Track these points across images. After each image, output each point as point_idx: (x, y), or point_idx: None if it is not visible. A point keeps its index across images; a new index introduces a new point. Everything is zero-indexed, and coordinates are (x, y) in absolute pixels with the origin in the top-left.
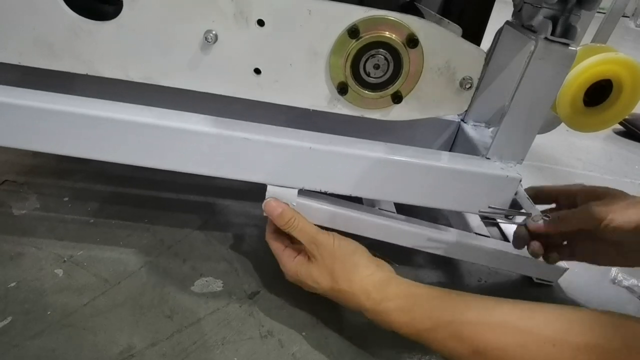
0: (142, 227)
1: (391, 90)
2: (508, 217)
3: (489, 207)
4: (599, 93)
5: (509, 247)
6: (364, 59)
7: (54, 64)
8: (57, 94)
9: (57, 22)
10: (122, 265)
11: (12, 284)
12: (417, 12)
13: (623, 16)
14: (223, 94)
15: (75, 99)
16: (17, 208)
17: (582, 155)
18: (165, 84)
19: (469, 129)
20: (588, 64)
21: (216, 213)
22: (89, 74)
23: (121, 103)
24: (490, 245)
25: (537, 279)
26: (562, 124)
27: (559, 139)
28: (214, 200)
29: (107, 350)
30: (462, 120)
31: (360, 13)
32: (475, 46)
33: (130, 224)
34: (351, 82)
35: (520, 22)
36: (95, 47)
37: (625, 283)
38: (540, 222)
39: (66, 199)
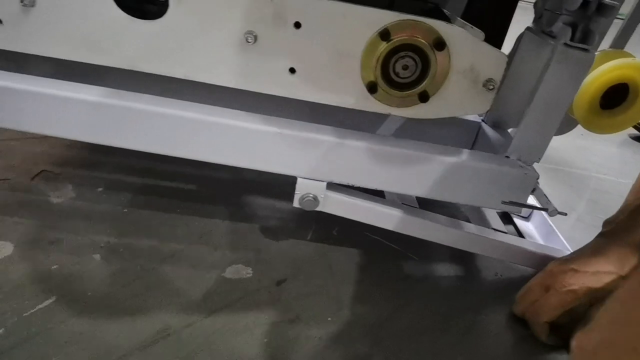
0: (174, 217)
1: (418, 89)
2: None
3: (506, 201)
4: (615, 96)
5: (525, 243)
6: (393, 60)
7: (101, 60)
8: (114, 89)
9: (106, 20)
10: (155, 252)
11: (55, 267)
12: (444, 17)
13: None
14: (259, 91)
15: (129, 95)
16: (54, 196)
17: (597, 159)
18: (205, 81)
19: (489, 129)
20: (605, 69)
21: (243, 206)
22: (133, 69)
23: (171, 99)
24: (508, 240)
25: None
26: (577, 128)
27: (573, 143)
28: (240, 193)
29: (145, 330)
30: (483, 120)
31: (391, 17)
32: (498, 50)
33: (162, 214)
34: (380, 82)
35: (540, 28)
36: (140, 45)
37: None
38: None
39: (100, 189)
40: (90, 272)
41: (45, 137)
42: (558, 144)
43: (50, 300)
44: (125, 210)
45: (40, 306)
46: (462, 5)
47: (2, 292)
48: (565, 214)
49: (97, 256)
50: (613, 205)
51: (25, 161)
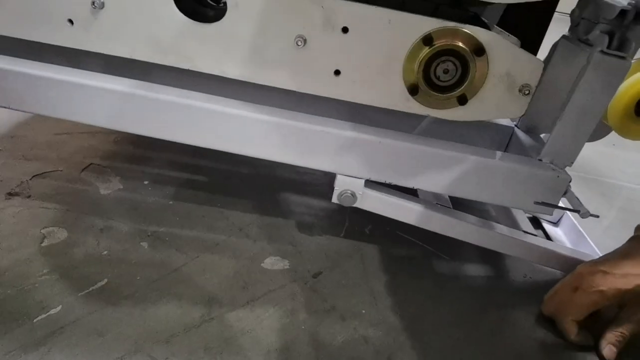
0: (215, 211)
1: (457, 92)
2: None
3: (538, 202)
4: None
5: (555, 246)
6: (435, 64)
7: (162, 59)
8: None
9: (168, 23)
10: (199, 242)
11: (105, 252)
12: (483, 24)
13: None
14: (306, 92)
15: (181, 91)
16: (103, 188)
17: (629, 169)
18: (257, 81)
19: (522, 134)
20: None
21: (279, 202)
22: (190, 69)
23: (219, 97)
24: (538, 243)
25: None
26: (609, 137)
27: (604, 151)
28: (276, 190)
29: (191, 313)
30: (516, 125)
31: (434, 24)
32: (534, 56)
33: (204, 207)
34: (422, 84)
35: (576, 37)
36: (199, 46)
37: None
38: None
39: (146, 182)
40: (139, 259)
41: (94, 133)
42: (589, 152)
43: (102, 283)
44: (170, 202)
45: (94, 287)
46: (499, 14)
47: (59, 273)
48: (598, 217)
49: (145, 244)
50: None
51: (75, 154)
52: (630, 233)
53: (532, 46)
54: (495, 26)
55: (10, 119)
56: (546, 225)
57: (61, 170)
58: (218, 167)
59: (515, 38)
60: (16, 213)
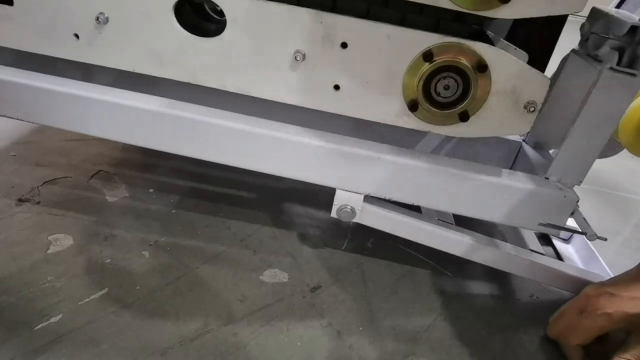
0: (218, 220)
1: (459, 109)
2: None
3: (543, 223)
4: None
5: (563, 266)
6: (435, 80)
7: (164, 73)
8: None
9: (169, 37)
10: (199, 252)
11: (108, 260)
12: (487, 39)
13: None
14: (305, 106)
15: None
16: (110, 195)
17: None
18: (256, 96)
19: (530, 150)
20: None
21: (282, 213)
22: (191, 82)
23: (217, 110)
24: (545, 263)
25: None
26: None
27: (621, 165)
28: (280, 200)
29: (187, 326)
30: (524, 140)
31: (435, 39)
32: (540, 73)
33: (207, 217)
34: (422, 100)
35: (586, 51)
36: (199, 60)
37: None
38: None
39: (151, 190)
40: (140, 268)
41: (103, 140)
42: (607, 165)
43: (102, 292)
44: (174, 211)
45: (94, 296)
46: (507, 27)
47: (62, 280)
48: (605, 239)
49: (146, 253)
50: None
51: (85, 161)
52: None
53: (541, 60)
54: (502, 40)
55: (23, 126)
56: (557, 242)
57: (70, 177)
58: (224, 175)
59: (523, 52)
60: (25, 219)
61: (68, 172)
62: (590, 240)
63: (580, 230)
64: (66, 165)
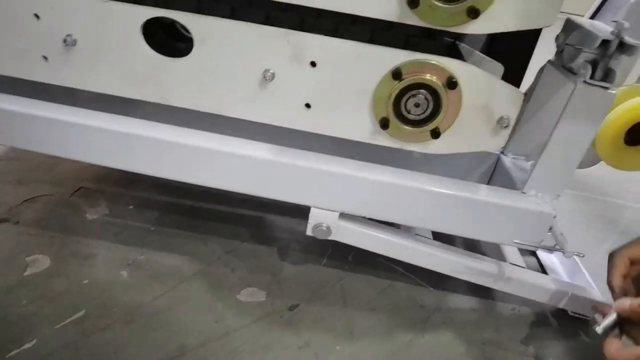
0: (196, 237)
1: (430, 126)
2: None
3: (517, 241)
4: None
5: (544, 280)
6: (405, 98)
7: (133, 94)
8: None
9: (138, 58)
10: (178, 271)
11: (86, 281)
12: (459, 54)
13: None
14: (277, 124)
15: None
16: (90, 213)
17: (634, 187)
18: (226, 114)
19: (508, 161)
20: (630, 106)
21: (263, 227)
22: (163, 103)
23: (190, 130)
24: (525, 277)
25: (572, 312)
26: None
27: (609, 170)
28: (262, 214)
29: (165, 347)
30: (502, 152)
31: (403, 57)
32: (514, 88)
33: (186, 233)
34: (392, 118)
35: (561, 63)
36: (169, 80)
37: None
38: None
39: (131, 206)
40: (118, 288)
41: None
42: (595, 171)
43: (79, 314)
44: (153, 228)
45: (70, 319)
46: (482, 40)
47: (37, 304)
48: (583, 255)
49: (125, 272)
50: None
51: (67, 177)
52: None
53: (517, 71)
54: (477, 53)
55: None
56: (540, 253)
57: (51, 195)
58: (205, 189)
59: (499, 64)
60: (3, 240)
61: (49, 190)
62: (567, 257)
63: (556, 247)
64: (48, 182)
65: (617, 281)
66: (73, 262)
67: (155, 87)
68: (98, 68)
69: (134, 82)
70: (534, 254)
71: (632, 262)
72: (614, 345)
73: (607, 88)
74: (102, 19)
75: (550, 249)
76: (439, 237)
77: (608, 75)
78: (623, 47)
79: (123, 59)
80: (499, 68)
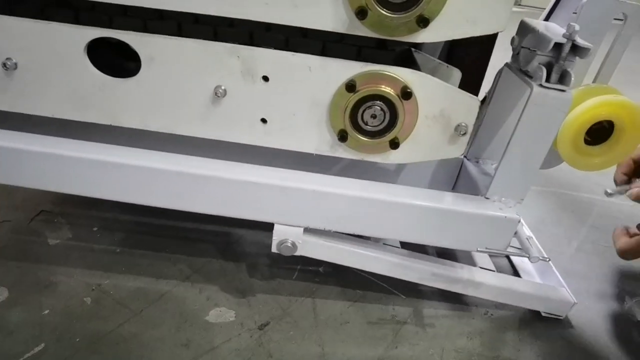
0: (163, 257)
1: (388, 137)
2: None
3: (482, 248)
4: (601, 132)
5: (515, 283)
6: (361, 110)
7: (81, 117)
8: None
9: (85, 81)
10: (144, 293)
11: (46, 311)
12: (413, 63)
13: None
14: (232, 141)
15: (103, 147)
16: (52, 238)
17: (604, 181)
18: (179, 133)
19: (471, 166)
20: (587, 107)
21: (232, 242)
22: (112, 124)
23: (146, 150)
24: (495, 281)
25: (545, 312)
26: None
27: None
28: (230, 229)
29: None
30: (465, 157)
31: (357, 68)
32: (469, 95)
33: (152, 254)
34: (350, 130)
35: (518, 66)
36: (118, 101)
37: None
38: None
39: (95, 228)
40: (81, 317)
41: None
42: (564, 165)
43: (39, 348)
44: (118, 250)
45: (29, 354)
46: (440, 46)
47: None
48: (549, 260)
49: (88, 299)
50: None
51: (27, 201)
52: (599, 253)
53: (475, 76)
54: (435, 59)
55: None
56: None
57: (9, 221)
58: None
59: (457, 70)
60: None
61: (7, 215)
62: (532, 262)
63: (522, 252)
64: (6, 207)
65: (620, 176)
66: (33, 291)
67: (104, 109)
68: (42, 91)
69: (81, 104)
70: (505, 255)
71: (635, 162)
72: (622, 240)
73: (563, 90)
74: (43, 41)
75: (515, 255)
76: (410, 244)
77: (563, 78)
78: (576, 50)
79: (68, 81)
80: (457, 74)
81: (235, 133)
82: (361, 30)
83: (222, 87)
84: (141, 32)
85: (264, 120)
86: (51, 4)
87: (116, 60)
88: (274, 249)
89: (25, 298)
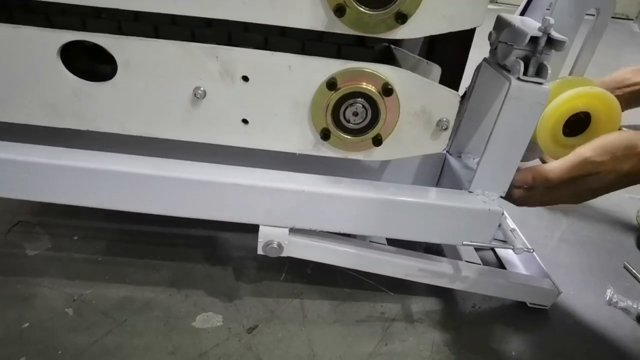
0: (147, 264)
1: (371, 134)
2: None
3: (466, 242)
4: (579, 124)
5: (500, 275)
6: (343, 108)
7: (57, 123)
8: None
9: (59, 85)
10: (128, 302)
11: (26, 325)
12: (393, 60)
13: (627, 19)
14: (214, 143)
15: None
16: (30, 249)
17: None
18: (159, 136)
19: (454, 161)
20: (564, 99)
21: (217, 246)
22: (89, 129)
23: (129, 155)
24: (481, 274)
25: (531, 303)
26: None
27: None
28: (215, 233)
29: None
30: (448, 152)
31: (337, 66)
32: (450, 90)
33: (135, 261)
34: (332, 129)
35: (496, 61)
36: (94, 106)
37: (621, 304)
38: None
39: (76, 237)
40: (62, 329)
41: None
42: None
43: None
44: (100, 258)
45: None
46: (419, 43)
47: None
48: (532, 251)
49: (70, 310)
50: (600, 219)
51: (3, 211)
52: (582, 242)
53: (457, 70)
54: (414, 56)
55: None
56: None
57: None
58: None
59: (437, 66)
60: None
61: None
62: (517, 254)
63: (506, 244)
64: None
65: None
66: (12, 304)
67: (80, 114)
68: (17, 98)
69: (57, 110)
70: (490, 247)
71: None
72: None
73: (540, 83)
74: (14, 46)
75: (499, 247)
76: (397, 240)
77: (540, 71)
78: (552, 43)
79: (42, 87)
80: (437, 70)
81: (217, 135)
82: (340, 27)
83: (202, 89)
84: (116, 34)
85: (245, 121)
86: (20, 7)
87: (92, 64)
88: (260, 251)
89: (3, 312)
